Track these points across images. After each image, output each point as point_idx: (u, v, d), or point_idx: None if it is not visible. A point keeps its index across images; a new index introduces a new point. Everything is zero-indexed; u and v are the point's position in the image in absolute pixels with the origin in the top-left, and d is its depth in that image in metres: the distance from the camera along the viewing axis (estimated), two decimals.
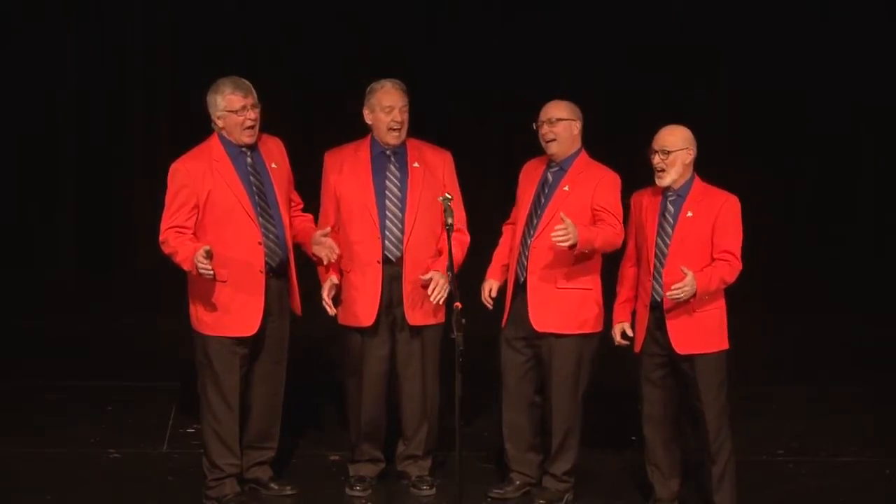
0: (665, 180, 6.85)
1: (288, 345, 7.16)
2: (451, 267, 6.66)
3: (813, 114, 10.53)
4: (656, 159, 6.84)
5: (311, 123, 10.36)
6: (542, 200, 7.10)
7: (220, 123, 6.99)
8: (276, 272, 7.00)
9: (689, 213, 6.89)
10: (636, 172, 7.17)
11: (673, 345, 6.87)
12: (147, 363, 9.15)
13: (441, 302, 7.04)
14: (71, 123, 10.41)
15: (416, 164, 7.13)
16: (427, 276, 7.01)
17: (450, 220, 6.67)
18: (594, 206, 7.01)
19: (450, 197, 6.74)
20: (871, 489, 7.60)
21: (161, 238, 6.90)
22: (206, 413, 7.07)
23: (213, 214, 6.91)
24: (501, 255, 7.28)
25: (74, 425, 8.16)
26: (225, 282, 6.92)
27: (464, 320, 6.36)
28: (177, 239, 6.84)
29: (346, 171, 7.09)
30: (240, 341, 6.95)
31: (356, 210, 7.06)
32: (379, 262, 7.05)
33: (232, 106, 6.91)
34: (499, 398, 7.36)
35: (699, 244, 6.87)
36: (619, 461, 7.76)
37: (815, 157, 10.61)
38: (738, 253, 6.89)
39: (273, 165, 7.00)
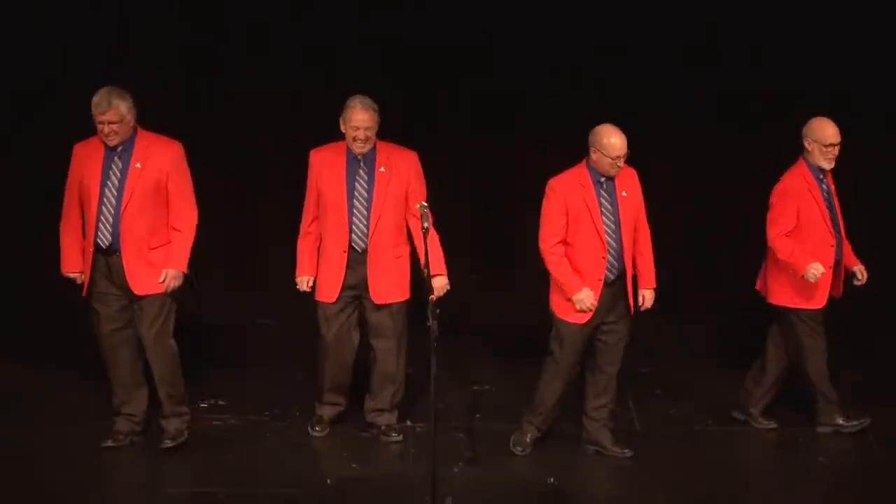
0: (833, 163, 8.33)
1: (153, 315, 8.14)
2: (427, 265, 7.40)
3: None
4: (836, 151, 8.28)
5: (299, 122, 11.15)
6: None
7: None
8: (105, 252, 8.12)
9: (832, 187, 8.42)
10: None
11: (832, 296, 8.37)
12: None
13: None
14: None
15: (382, 169, 8.26)
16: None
17: (425, 225, 7.39)
18: None
19: (425, 204, 7.52)
20: (784, 453, 8.57)
21: None
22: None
23: (81, 194, 8.12)
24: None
25: (102, 399, 8.70)
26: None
27: (438, 310, 7.17)
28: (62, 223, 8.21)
29: (325, 171, 8.26)
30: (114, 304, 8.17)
31: (330, 206, 8.26)
32: (345, 252, 8.26)
33: (94, 114, 8.05)
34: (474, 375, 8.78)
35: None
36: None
37: None
38: None
39: (137, 165, 8.01)
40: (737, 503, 7.92)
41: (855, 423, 8.56)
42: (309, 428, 8.58)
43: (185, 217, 8.14)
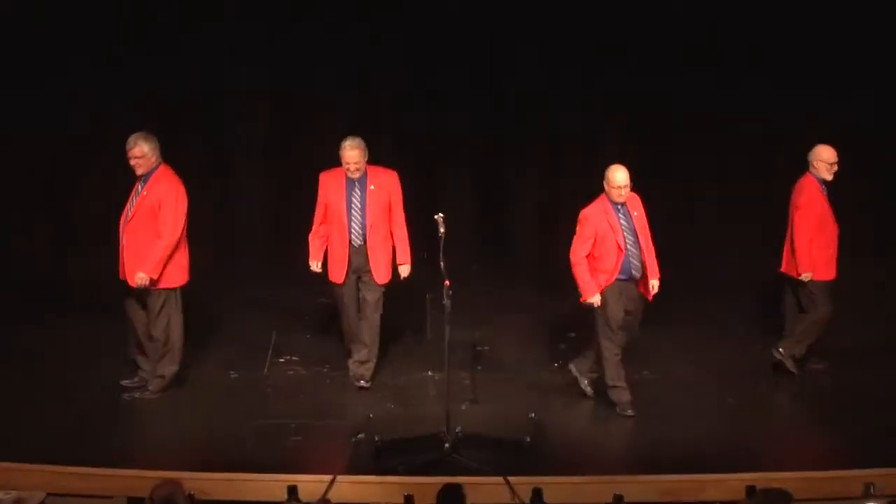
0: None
1: (150, 305, 10.03)
2: (441, 258, 9.19)
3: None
4: (836, 167, 9.94)
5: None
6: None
7: None
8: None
9: None
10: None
11: None
12: (246, 323, 11.73)
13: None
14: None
15: (372, 187, 10.31)
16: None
17: (441, 230, 9.35)
18: None
19: (442, 215, 9.39)
20: (703, 401, 10.10)
21: None
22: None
23: None
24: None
25: (208, 356, 10.95)
26: None
27: (451, 292, 8.99)
28: None
29: (331, 189, 10.37)
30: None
31: (335, 214, 10.37)
32: (346, 246, 10.38)
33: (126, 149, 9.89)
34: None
35: None
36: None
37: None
38: None
39: (144, 193, 9.92)
40: (664, 424, 9.74)
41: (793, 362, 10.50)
42: (353, 381, 10.57)
43: (163, 235, 9.95)
